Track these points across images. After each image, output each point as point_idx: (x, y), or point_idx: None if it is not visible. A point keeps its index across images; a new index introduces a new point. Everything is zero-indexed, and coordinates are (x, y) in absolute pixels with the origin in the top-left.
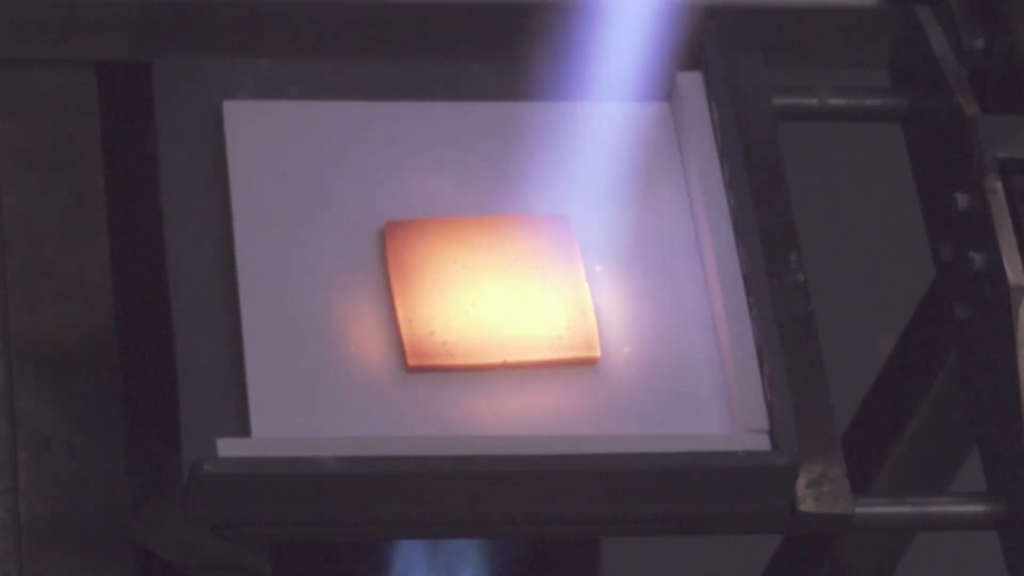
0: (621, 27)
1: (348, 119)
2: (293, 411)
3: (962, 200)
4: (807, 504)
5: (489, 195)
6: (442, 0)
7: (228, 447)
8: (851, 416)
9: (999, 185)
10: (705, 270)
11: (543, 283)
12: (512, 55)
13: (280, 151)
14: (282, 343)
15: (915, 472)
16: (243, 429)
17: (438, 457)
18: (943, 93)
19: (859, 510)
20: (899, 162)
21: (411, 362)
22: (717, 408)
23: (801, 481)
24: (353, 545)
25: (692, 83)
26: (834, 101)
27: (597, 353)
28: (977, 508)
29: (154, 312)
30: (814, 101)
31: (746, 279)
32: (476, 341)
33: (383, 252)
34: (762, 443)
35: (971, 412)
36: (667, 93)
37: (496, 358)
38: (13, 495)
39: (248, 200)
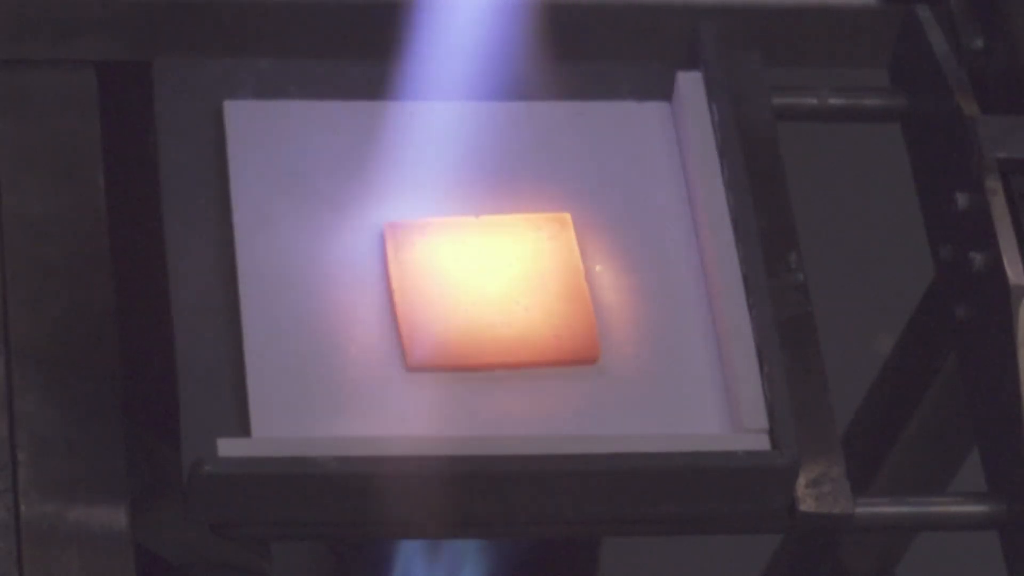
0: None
1: (348, 119)
2: (293, 411)
3: (962, 200)
4: (807, 504)
5: (489, 195)
6: (439, 1)
7: (228, 447)
8: (851, 416)
9: (999, 185)
10: (705, 270)
11: (543, 283)
12: (509, 55)
13: (280, 151)
14: (282, 343)
15: (915, 472)
16: (243, 429)
17: (438, 457)
18: (943, 93)
19: (859, 510)
20: (899, 162)
21: (411, 362)
22: (717, 408)
23: (801, 481)
24: (353, 545)
25: (692, 83)
26: (834, 101)
27: (597, 353)
28: (977, 508)
29: (154, 312)
30: (814, 101)
31: (746, 279)
32: (476, 341)
33: (383, 252)
34: (762, 443)
35: (971, 412)
36: (667, 93)
37: (496, 358)
38: (13, 495)
39: (248, 200)
